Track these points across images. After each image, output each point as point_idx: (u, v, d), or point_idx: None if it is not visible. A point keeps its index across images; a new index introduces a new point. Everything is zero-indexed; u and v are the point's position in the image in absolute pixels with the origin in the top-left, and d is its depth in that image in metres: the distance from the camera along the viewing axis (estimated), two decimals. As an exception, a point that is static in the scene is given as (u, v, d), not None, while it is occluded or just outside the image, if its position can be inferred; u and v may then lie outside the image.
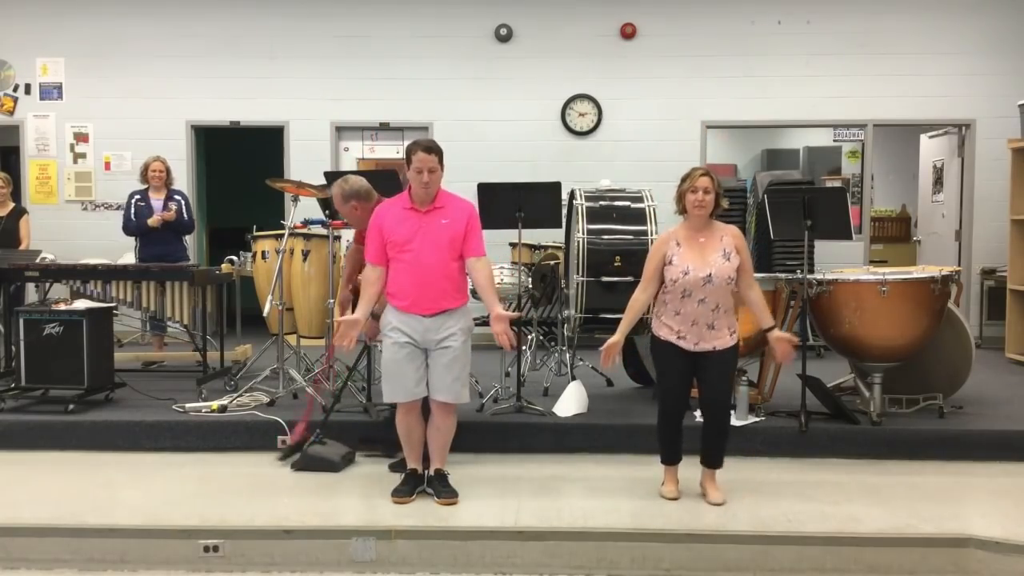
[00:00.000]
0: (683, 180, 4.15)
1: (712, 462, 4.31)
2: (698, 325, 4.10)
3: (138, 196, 7.11)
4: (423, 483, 4.35)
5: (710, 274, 4.04)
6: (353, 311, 4.64)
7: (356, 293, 4.93)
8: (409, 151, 4.13)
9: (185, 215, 7.10)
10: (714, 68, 8.61)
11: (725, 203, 4.21)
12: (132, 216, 7.04)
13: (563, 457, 4.95)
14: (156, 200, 7.05)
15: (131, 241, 7.24)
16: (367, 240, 4.27)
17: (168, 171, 7.14)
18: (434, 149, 4.12)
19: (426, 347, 4.18)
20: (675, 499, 4.25)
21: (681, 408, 4.26)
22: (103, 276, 5.88)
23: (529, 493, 4.36)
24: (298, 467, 4.75)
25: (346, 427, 5.06)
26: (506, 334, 4.02)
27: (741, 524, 3.94)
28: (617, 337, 4.08)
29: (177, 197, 7.13)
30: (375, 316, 4.64)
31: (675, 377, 4.22)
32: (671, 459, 4.33)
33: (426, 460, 4.38)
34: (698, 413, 5.20)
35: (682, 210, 4.18)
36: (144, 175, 7.11)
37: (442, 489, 4.25)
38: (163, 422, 5.17)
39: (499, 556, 3.83)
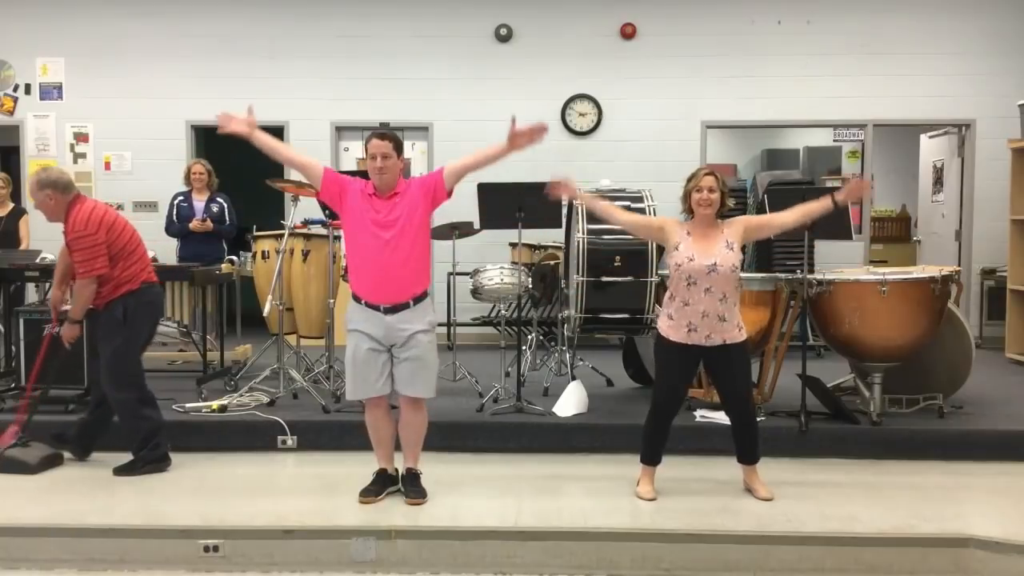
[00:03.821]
0: (688, 180, 4.22)
1: (746, 457, 4.32)
2: (709, 317, 4.10)
3: (181, 197, 7.17)
4: (394, 483, 4.31)
5: (715, 263, 4.07)
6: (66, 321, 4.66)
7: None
8: (366, 141, 4.15)
9: (227, 218, 7.14)
10: (714, 68, 8.60)
11: (731, 202, 4.26)
12: (175, 218, 7.10)
13: (563, 457, 4.95)
14: (198, 201, 7.12)
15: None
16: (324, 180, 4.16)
17: (210, 173, 7.20)
18: (388, 136, 4.12)
19: (390, 344, 4.11)
20: (652, 500, 4.22)
21: (675, 407, 4.26)
22: (103, 276, 5.86)
23: (529, 493, 4.36)
24: None
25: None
26: None
27: (741, 524, 3.94)
28: (582, 193, 4.46)
29: (219, 199, 7.17)
30: (64, 316, 4.70)
31: (676, 375, 4.23)
32: (652, 459, 4.33)
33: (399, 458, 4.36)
34: (698, 413, 5.24)
35: (687, 209, 4.22)
36: (187, 178, 7.21)
37: (411, 489, 4.22)
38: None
39: (499, 556, 3.83)
